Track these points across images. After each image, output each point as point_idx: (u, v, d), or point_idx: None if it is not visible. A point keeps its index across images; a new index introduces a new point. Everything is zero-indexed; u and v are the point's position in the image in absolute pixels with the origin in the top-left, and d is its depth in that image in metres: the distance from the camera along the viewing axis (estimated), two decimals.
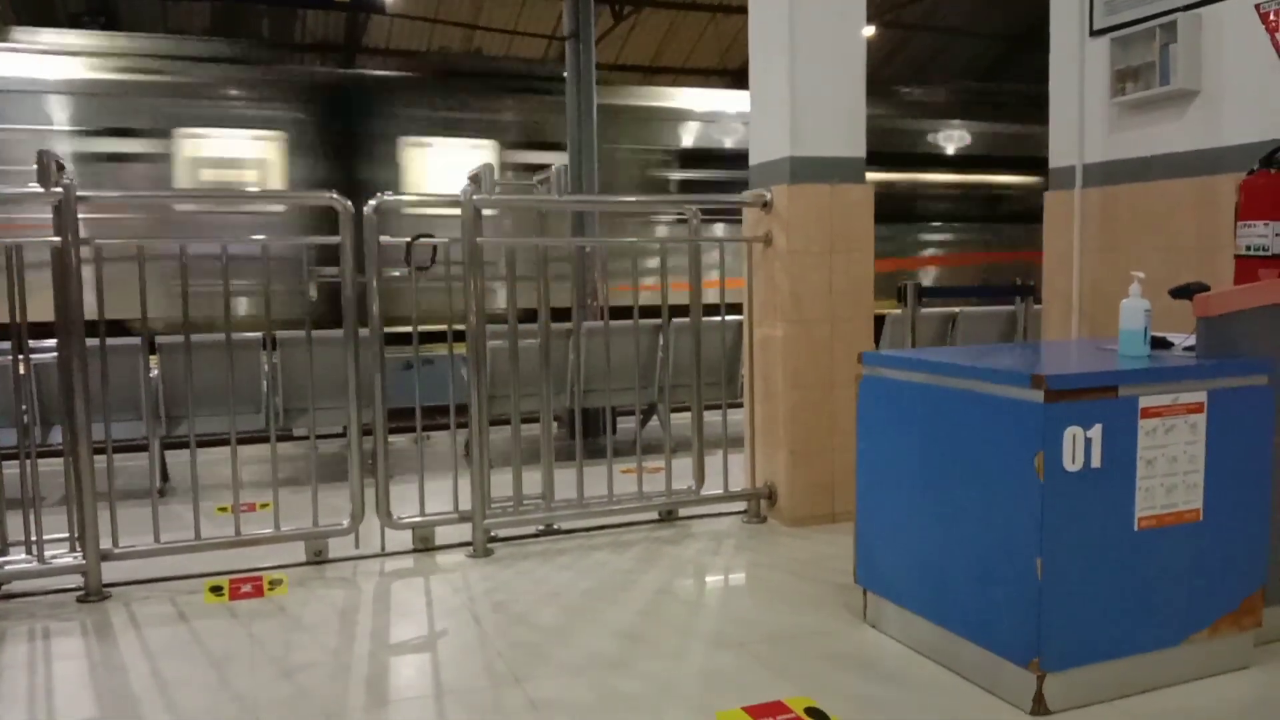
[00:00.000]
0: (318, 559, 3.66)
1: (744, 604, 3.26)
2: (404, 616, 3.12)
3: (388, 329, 3.62)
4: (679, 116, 11.22)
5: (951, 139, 12.48)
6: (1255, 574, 2.53)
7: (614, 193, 10.22)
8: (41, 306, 3.35)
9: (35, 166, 3.29)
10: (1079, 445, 2.28)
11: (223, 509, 4.33)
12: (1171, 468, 2.40)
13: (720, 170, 11.05)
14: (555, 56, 14.39)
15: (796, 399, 4.01)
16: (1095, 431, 2.30)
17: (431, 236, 3.85)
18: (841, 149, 4.02)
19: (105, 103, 8.88)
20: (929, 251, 12.46)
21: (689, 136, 11.24)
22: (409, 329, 3.78)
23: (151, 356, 4.93)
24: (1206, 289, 2.63)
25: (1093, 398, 2.30)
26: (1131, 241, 3.94)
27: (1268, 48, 3.41)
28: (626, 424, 7.48)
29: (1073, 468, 2.28)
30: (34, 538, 3.33)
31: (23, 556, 3.35)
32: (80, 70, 8.90)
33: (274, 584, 3.44)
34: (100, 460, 3.37)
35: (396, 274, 3.73)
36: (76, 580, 3.35)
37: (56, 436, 4.78)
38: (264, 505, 4.36)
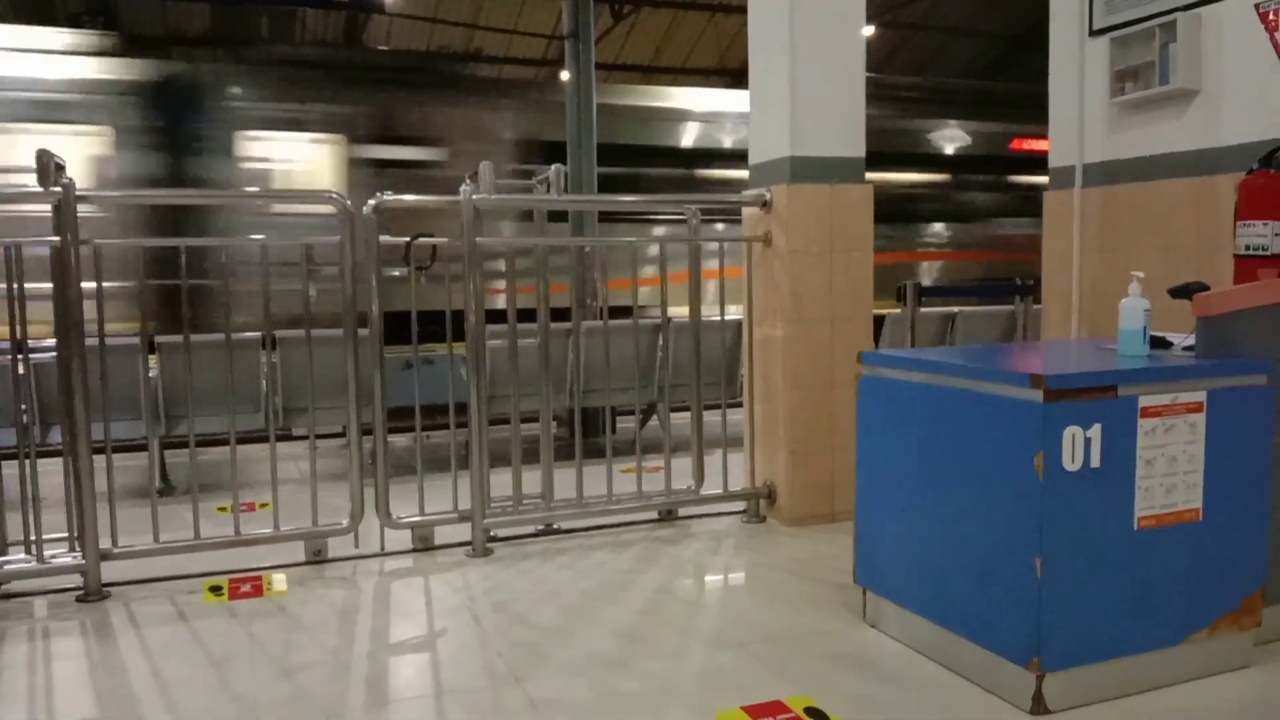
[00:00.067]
0: (317, 559, 3.66)
1: (743, 604, 3.26)
2: (403, 616, 3.12)
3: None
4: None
5: None
6: (1255, 574, 2.54)
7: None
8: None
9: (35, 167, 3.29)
10: (1078, 445, 2.28)
11: (222, 509, 4.33)
12: (1171, 467, 2.40)
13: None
14: (555, 56, 14.41)
15: (796, 399, 4.01)
16: (1095, 431, 2.30)
17: (431, 236, 3.86)
18: (841, 149, 4.02)
19: None
20: None
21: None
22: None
23: (151, 356, 4.93)
24: (1206, 289, 2.63)
25: (1092, 397, 2.30)
26: (1131, 241, 3.94)
27: (1267, 47, 3.41)
28: (626, 424, 7.48)
29: (1072, 467, 2.28)
30: (33, 537, 3.33)
31: (22, 556, 3.35)
32: None
33: (273, 584, 3.44)
34: (100, 460, 3.37)
35: (396, 273, 3.73)
36: (76, 580, 3.35)
37: (56, 436, 4.78)
38: (263, 505, 4.36)
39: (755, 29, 4.18)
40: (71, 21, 11.85)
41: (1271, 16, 3.39)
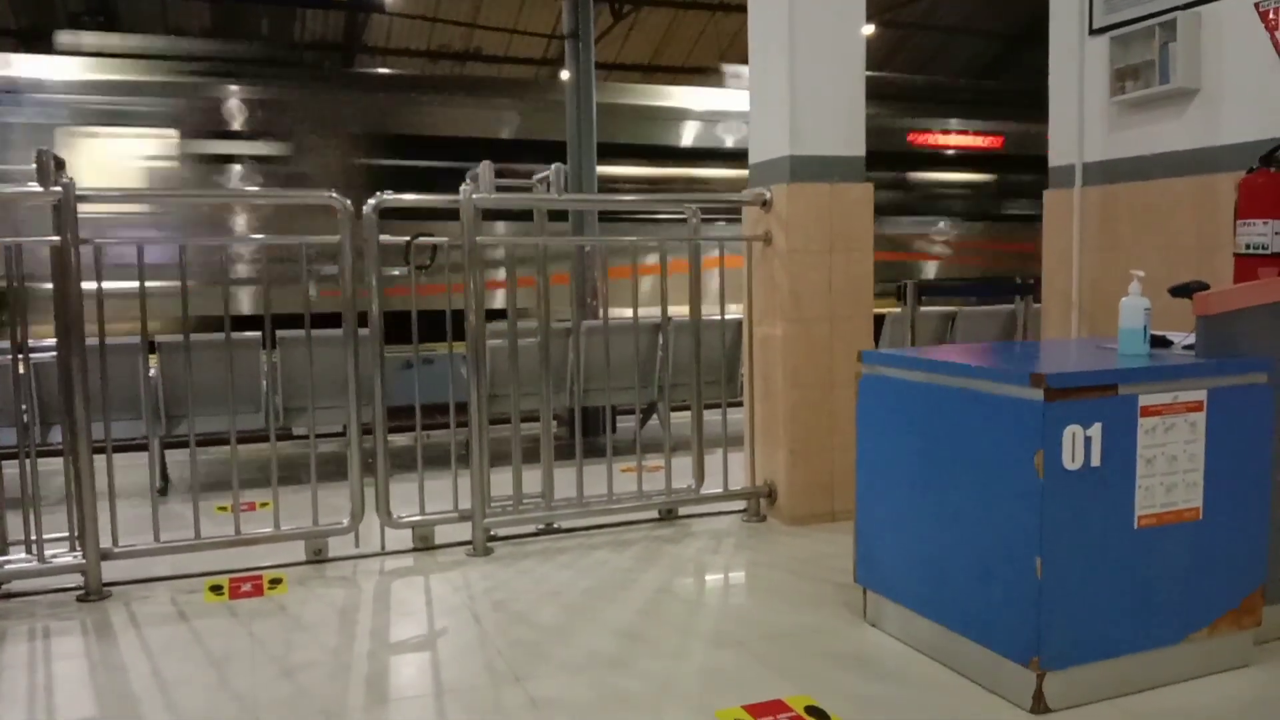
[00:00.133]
0: (318, 558, 3.67)
1: (744, 603, 3.26)
2: (404, 615, 3.12)
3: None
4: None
5: None
6: (1255, 573, 2.54)
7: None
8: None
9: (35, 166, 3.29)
10: (1079, 444, 2.28)
11: (222, 508, 4.33)
12: (1171, 466, 2.40)
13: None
14: (555, 55, 14.40)
15: (796, 398, 4.01)
16: (1095, 430, 2.30)
17: (431, 235, 3.86)
18: (841, 148, 4.02)
19: None
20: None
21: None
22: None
23: (151, 356, 4.93)
24: (1206, 287, 2.63)
25: (1092, 396, 2.30)
26: (1131, 240, 3.94)
27: (1267, 46, 3.41)
28: (626, 423, 7.48)
29: (1072, 466, 2.28)
30: (34, 537, 3.33)
31: (23, 556, 3.36)
32: None
33: (274, 583, 3.44)
34: (100, 459, 3.37)
35: (396, 273, 3.73)
36: (76, 579, 3.35)
37: (56, 436, 4.78)
38: (264, 504, 4.36)
39: (755, 28, 4.18)
40: (71, 21, 11.86)
41: (1271, 15, 3.39)
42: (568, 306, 8.41)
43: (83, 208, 3.28)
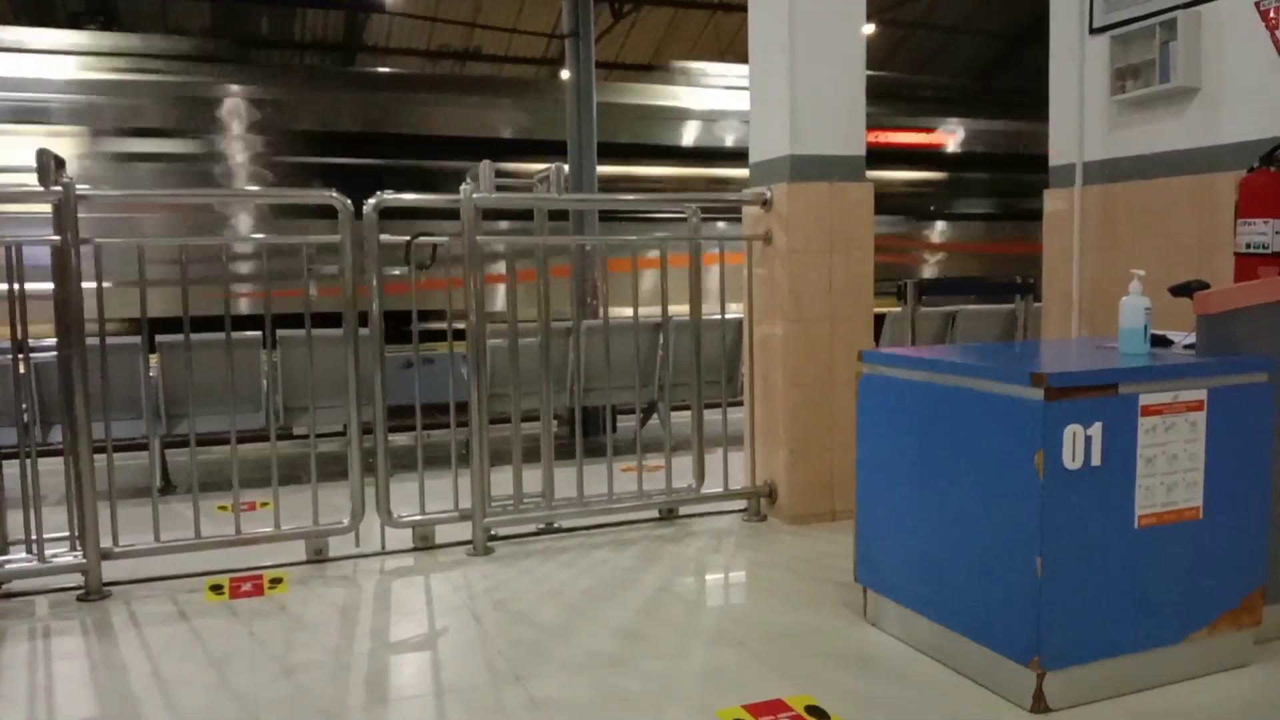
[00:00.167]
0: (318, 557, 3.67)
1: (744, 602, 3.26)
2: (404, 615, 3.12)
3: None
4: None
5: None
6: (1255, 572, 2.54)
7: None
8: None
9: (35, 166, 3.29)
10: (1079, 443, 2.28)
11: (223, 508, 4.33)
12: (1171, 466, 2.40)
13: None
14: (555, 55, 14.40)
15: (796, 397, 4.01)
16: (1095, 429, 2.30)
17: (431, 235, 3.86)
18: (841, 147, 4.02)
19: None
20: None
21: None
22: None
23: (151, 355, 4.93)
24: (1206, 287, 2.63)
25: (1093, 395, 2.30)
26: (1131, 239, 3.94)
27: (1267, 45, 3.41)
28: (626, 422, 7.48)
29: (1073, 466, 2.28)
30: (34, 536, 3.33)
31: (23, 555, 3.36)
32: None
33: (274, 583, 3.44)
34: (100, 459, 3.37)
35: (396, 272, 3.73)
36: (77, 579, 3.35)
37: (57, 436, 4.78)
38: (264, 504, 4.36)
39: (755, 27, 4.18)
40: (71, 21, 11.85)
41: (1272, 15, 3.39)
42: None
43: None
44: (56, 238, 3.27)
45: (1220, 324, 2.55)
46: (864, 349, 2.95)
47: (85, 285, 3.31)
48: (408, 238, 3.77)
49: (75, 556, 3.35)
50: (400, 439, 6.28)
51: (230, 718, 2.42)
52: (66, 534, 3.45)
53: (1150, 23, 3.76)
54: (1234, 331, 2.54)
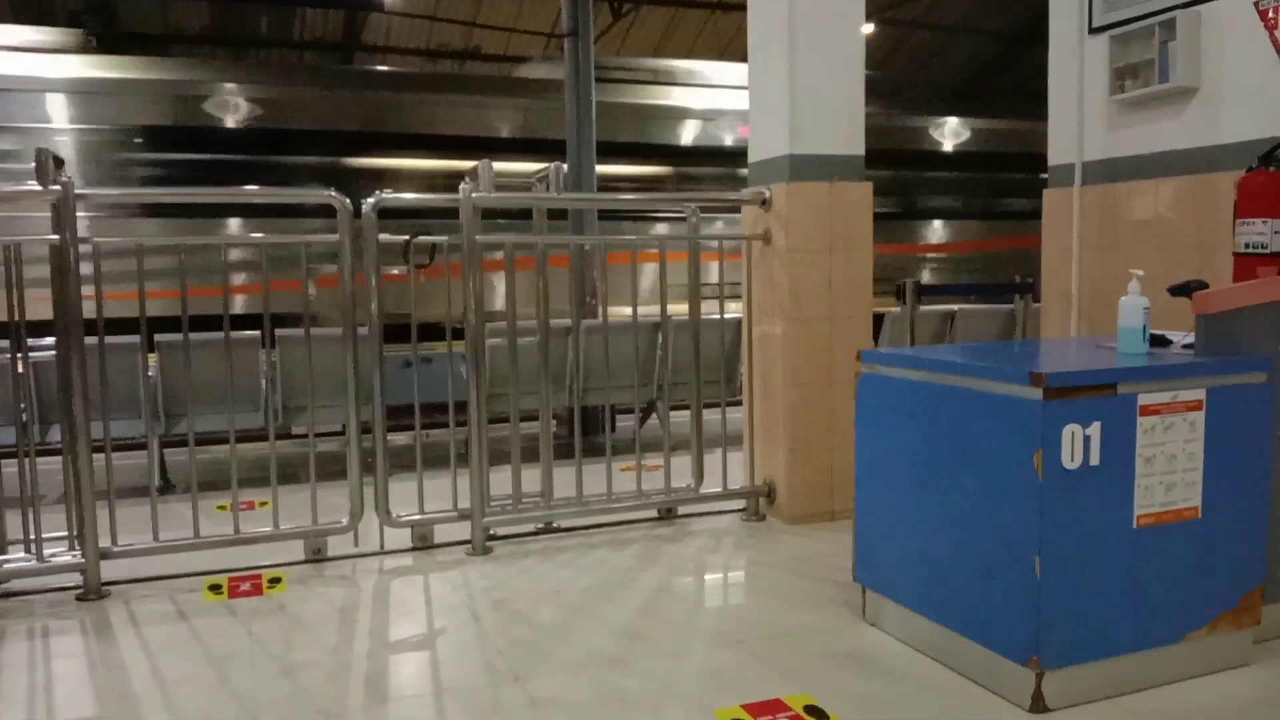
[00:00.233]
0: (317, 557, 3.66)
1: (743, 602, 3.26)
2: (403, 614, 3.12)
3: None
4: None
5: None
6: (1254, 572, 2.54)
7: None
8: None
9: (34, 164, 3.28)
10: (1078, 443, 2.28)
11: (222, 507, 4.33)
12: (1170, 465, 2.40)
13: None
14: (555, 54, 14.38)
15: (796, 397, 4.01)
16: (1094, 429, 2.30)
17: (430, 234, 3.86)
18: (841, 147, 4.02)
19: None
20: None
21: None
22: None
23: (150, 355, 4.93)
24: (1205, 286, 2.63)
25: (1092, 395, 2.30)
26: (1131, 239, 3.94)
27: (1266, 45, 3.41)
28: (626, 422, 7.48)
29: (1072, 465, 2.28)
30: (33, 536, 3.33)
31: (22, 555, 3.35)
32: None
33: (273, 582, 3.44)
34: (99, 458, 3.37)
35: (396, 272, 3.73)
36: (75, 579, 3.35)
37: (55, 435, 4.78)
38: (263, 503, 4.36)
39: (755, 26, 4.18)
40: (71, 20, 11.85)
41: (1271, 15, 3.39)
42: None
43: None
44: (55, 237, 3.26)
45: (1219, 324, 2.54)
46: (863, 348, 2.95)
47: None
48: (406, 237, 3.77)
49: (74, 556, 3.35)
50: (399, 438, 6.28)
51: (230, 717, 2.42)
52: (65, 533, 3.44)
53: (1149, 22, 3.76)
54: (1233, 331, 2.54)
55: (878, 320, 5.14)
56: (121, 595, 3.32)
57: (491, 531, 3.87)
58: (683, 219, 4.21)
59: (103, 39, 10.94)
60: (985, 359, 2.57)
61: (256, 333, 5.24)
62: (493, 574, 3.50)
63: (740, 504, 4.23)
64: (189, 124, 9.27)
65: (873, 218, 4.11)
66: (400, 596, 3.29)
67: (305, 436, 4.46)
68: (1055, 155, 4.27)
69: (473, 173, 3.80)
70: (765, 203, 4.08)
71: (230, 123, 9.38)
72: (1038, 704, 2.33)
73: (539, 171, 4.18)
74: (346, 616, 3.10)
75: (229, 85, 9.46)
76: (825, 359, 4.04)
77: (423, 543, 3.81)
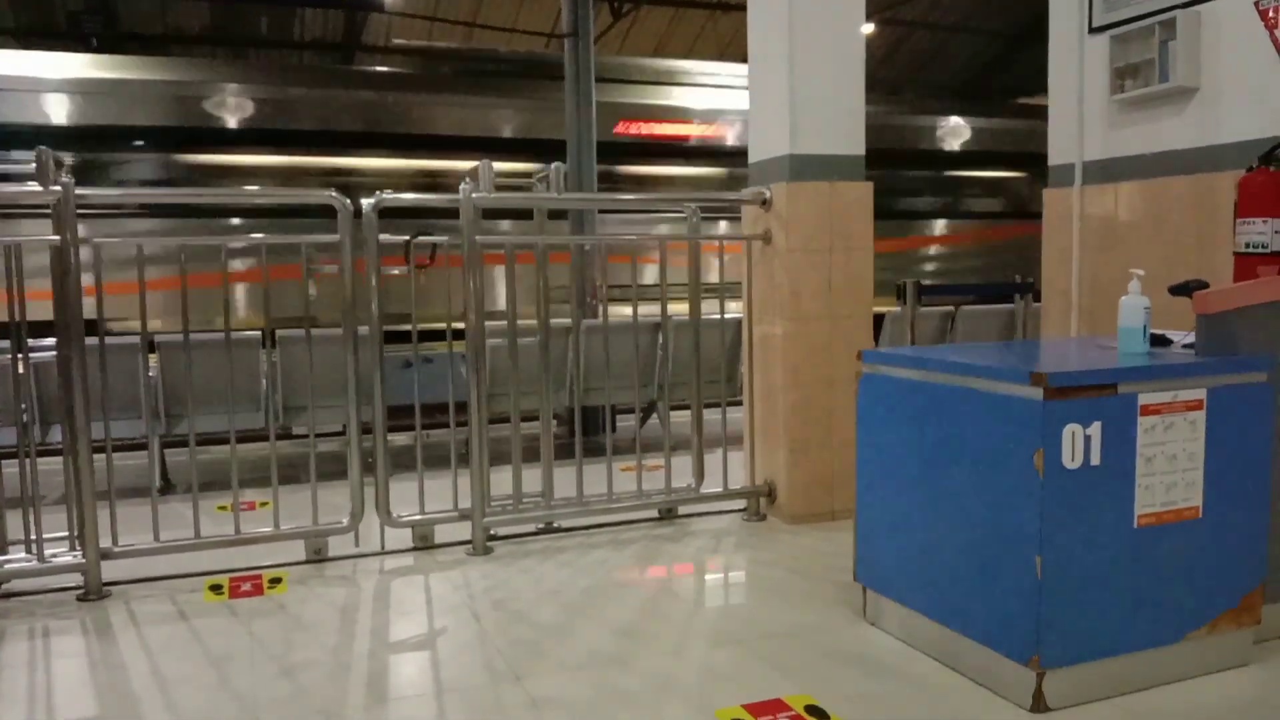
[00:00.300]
0: (317, 557, 3.67)
1: (743, 602, 3.26)
2: (404, 614, 3.12)
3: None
4: None
5: None
6: (1255, 571, 2.54)
7: None
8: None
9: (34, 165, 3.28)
10: (1078, 443, 2.28)
11: (222, 507, 4.33)
12: (1171, 465, 2.40)
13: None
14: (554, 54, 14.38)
15: (796, 397, 4.01)
16: (1095, 429, 2.30)
17: (430, 234, 3.86)
18: (841, 146, 4.02)
19: None
20: None
21: None
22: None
23: (151, 355, 4.93)
24: (1205, 286, 2.63)
25: (1092, 395, 2.30)
26: (1131, 239, 3.94)
27: (1267, 45, 3.41)
28: (626, 422, 7.48)
29: (1072, 465, 2.28)
30: (34, 536, 3.33)
31: (22, 555, 3.35)
32: None
33: (274, 582, 3.44)
34: (100, 459, 3.37)
35: (396, 272, 3.73)
36: (76, 579, 3.35)
37: (56, 435, 4.78)
38: (264, 504, 4.36)
39: (755, 26, 4.18)
40: (70, 20, 11.85)
41: (1271, 14, 3.39)
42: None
43: None
44: (56, 238, 3.26)
45: (1219, 323, 2.55)
46: (864, 348, 2.95)
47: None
48: (407, 237, 3.77)
49: (75, 556, 3.35)
50: (399, 439, 6.28)
51: (230, 717, 2.42)
52: (66, 534, 3.44)
53: (1149, 22, 3.76)
54: (1233, 331, 2.54)
55: (878, 320, 5.14)
56: (122, 595, 3.32)
57: (492, 531, 3.87)
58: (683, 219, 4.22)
59: (103, 39, 10.94)
60: (986, 359, 2.57)
61: (257, 333, 5.24)
62: (493, 574, 3.50)
63: (741, 504, 4.23)
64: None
65: (873, 217, 4.11)
66: (401, 596, 3.30)
67: (306, 437, 4.46)
68: (1055, 155, 4.27)
69: (473, 173, 3.81)
70: (765, 203, 4.08)
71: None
72: (1038, 704, 2.33)
73: (539, 171, 4.18)
74: (347, 616, 3.10)
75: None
76: (825, 359, 4.04)
77: (423, 543, 3.81)
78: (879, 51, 15.37)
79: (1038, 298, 4.90)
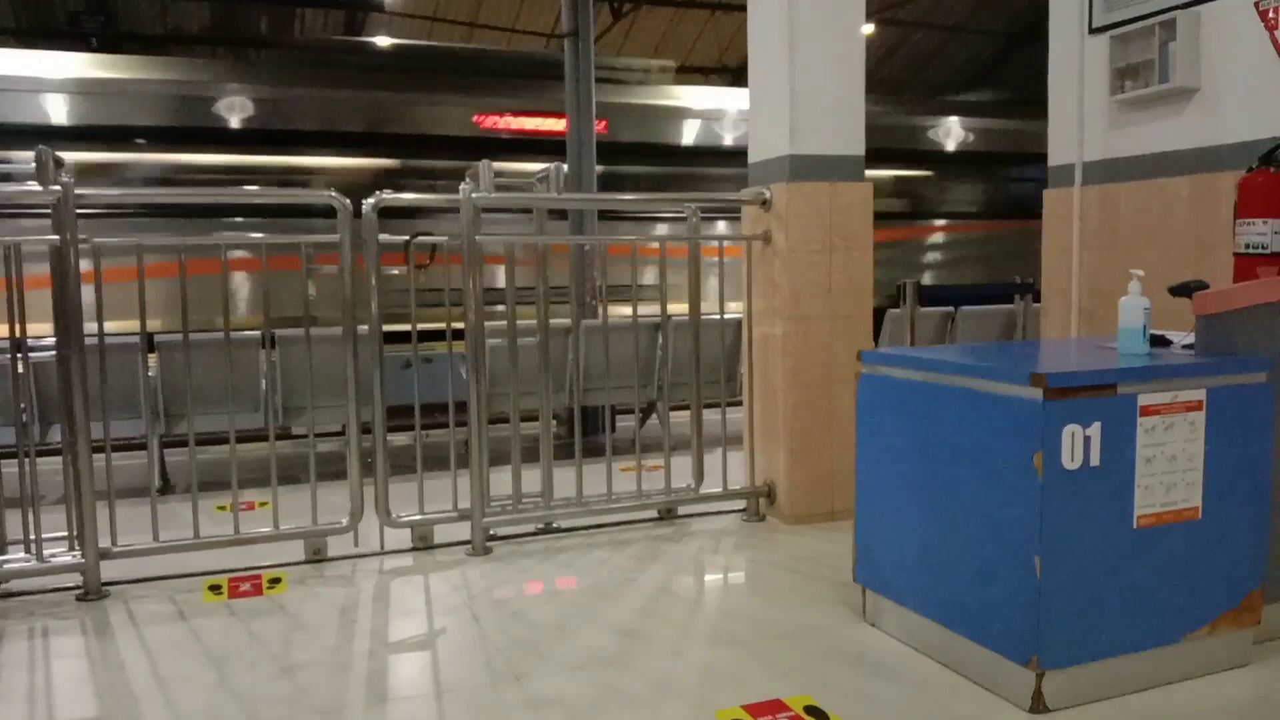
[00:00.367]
0: (317, 557, 3.66)
1: (743, 602, 3.26)
2: (403, 615, 3.12)
3: None
4: None
5: None
6: (1254, 572, 2.54)
7: None
8: None
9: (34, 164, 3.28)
10: (1078, 443, 2.28)
11: (222, 507, 4.33)
12: (1171, 465, 2.40)
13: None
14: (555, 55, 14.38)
15: (796, 397, 4.01)
16: (1094, 429, 2.30)
17: (430, 235, 3.86)
18: (841, 147, 4.02)
19: None
20: None
21: None
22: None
23: (150, 355, 4.93)
24: (1205, 287, 2.63)
25: (1092, 395, 2.30)
26: (1130, 239, 3.94)
27: (1267, 45, 3.41)
28: (626, 422, 7.48)
29: (1072, 466, 2.28)
30: (33, 536, 3.33)
31: (22, 555, 3.35)
32: None
33: (273, 582, 3.44)
34: (99, 459, 3.37)
35: (395, 272, 3.73)
36: (75, 579, 3.35)
37: (55, 435, 4.78)
38: (263, 504, 4.36)
39: (755, 27, 4.18)
40: (70, 19, 11.84)
41: (1271, 15, 3.39)
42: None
43: None
44: (55, 237, 3.26)
45: (1219, 324, 2.55)
46: (863, 349, 2.95)
47: None
48: (407, 237, 3.77)
49: (74, 556, 3.35)
50: (399, 439, 6.28)
51: (229, 717, 2.42)
52: (65, 534, 3.44)
53: (1150, 23, 3.76)
54: (1233, 331, 2.54)
55: (878, 320, 5.14)
56: (121, 595, 3.32)
57: (491, 532, 3.87)
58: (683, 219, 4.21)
59: (102, 39, 10.92)
60: (986, 359, 2.57)
61: (256, 333, 5.24)
62: (493, 574, 3.50)
63: (740, 504, 4.23)
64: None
65: (873, 217, 4.11)
66: (400, 597, 3.29)
67: (305, 437, 4.46)
68: (1055, 155, 4.27)
69: (473, 173, 3.80)
70: (765, 203, 4.08)
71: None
72: (1038, 704, 2.33)
73: (539, 171, 4.18)
74: (346, 616, 3.10)
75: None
76: (825, 359, 4.04)
77: (423, 543, 3.81)
78: (878, 52, 15.37)
79: (1038, 298, 4.90)
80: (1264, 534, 2.55)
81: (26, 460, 3.38)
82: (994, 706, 2.38)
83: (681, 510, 4.23)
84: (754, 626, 2.95)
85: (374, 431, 3.66)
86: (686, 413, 4.42)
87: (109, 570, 3.39)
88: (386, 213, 3.63)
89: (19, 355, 3.45)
